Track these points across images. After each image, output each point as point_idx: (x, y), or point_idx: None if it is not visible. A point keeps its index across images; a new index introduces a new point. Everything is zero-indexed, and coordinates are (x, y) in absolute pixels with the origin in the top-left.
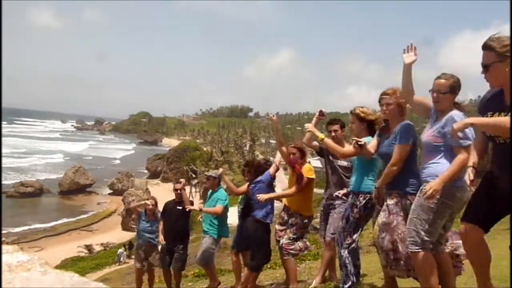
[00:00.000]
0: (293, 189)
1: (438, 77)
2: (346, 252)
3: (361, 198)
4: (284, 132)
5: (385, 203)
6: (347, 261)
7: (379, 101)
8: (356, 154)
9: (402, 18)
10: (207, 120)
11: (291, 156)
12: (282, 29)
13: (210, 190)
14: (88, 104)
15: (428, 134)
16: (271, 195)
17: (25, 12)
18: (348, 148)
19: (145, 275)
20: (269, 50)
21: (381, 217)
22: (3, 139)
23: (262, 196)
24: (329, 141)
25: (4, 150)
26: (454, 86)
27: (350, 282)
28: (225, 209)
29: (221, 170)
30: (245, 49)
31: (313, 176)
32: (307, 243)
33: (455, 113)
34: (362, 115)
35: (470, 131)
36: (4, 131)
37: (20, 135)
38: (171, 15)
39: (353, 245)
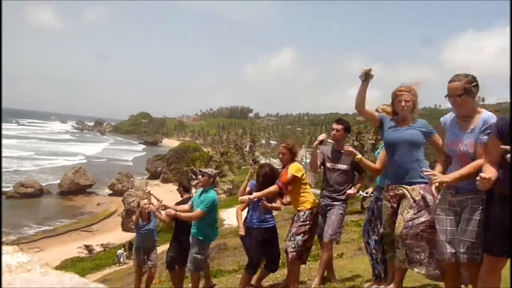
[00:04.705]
0: (274, 186)
1: (451, 80)
2: (373, 242)
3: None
4: (285, 132)
5: (410, 198)
6: (373, 251)
7: (395, 97)
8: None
9: (403, 18)
10: (207, 121)
11: (281, 155)
12: (283, 29)
13: (202, 189)
14: (88, 104)
15: (466, 143)
16: (256, 194)
17: (24, 13)
18: (378, 162)
19: (144, 275)
20: (270, 50)
21: (409, 213)
22: (17, 140)
23: (244, 198)
24: (364, 160)
25: (24, 153)
26: (468, 87)
27: (377, 271)
28: (209, 213)
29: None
30: (245, 49)
31: (299, 174)
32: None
33: (487, 115)
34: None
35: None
36: (13, 133)
37: (34, 137)
38: (172, 15)
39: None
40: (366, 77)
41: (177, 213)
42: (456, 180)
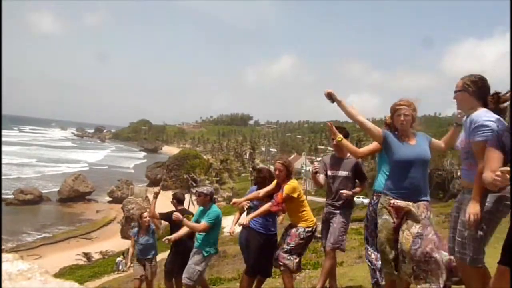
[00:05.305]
0: (267, 206)
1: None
2: (372, 250)
3: (375, 197)
4: (285, 140)
5: (417, 214)
6: (372, 259)
7: (394, 111)
8: (370, 153)
9: (404, 25)
10: (207, 128)
11: (277, 172)
12: (284, 35)
13: (202, 207)
14: (87, 110)
15: (460, 139)
16: (249, 216)
17: (25, 17)
18: (364, 148)
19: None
20: (270, 56)
21: (416, 228)
22: (19, 147)
23: (243, 220)
24: (345, 141)
25: (25, 160)
26: (467, 84)
27: (375, 279)
28: (214, 226)
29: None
30: (245, 54)
31: (294, 194)
32: (299, 265)
33: (476, 114)
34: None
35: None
36: (15, 139)
37: (36, 144)
38: (173, 21)
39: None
40: (330, 97)
41: (185, 221)
42: (481, 198)
